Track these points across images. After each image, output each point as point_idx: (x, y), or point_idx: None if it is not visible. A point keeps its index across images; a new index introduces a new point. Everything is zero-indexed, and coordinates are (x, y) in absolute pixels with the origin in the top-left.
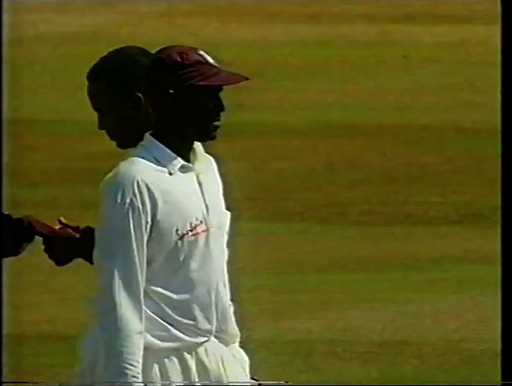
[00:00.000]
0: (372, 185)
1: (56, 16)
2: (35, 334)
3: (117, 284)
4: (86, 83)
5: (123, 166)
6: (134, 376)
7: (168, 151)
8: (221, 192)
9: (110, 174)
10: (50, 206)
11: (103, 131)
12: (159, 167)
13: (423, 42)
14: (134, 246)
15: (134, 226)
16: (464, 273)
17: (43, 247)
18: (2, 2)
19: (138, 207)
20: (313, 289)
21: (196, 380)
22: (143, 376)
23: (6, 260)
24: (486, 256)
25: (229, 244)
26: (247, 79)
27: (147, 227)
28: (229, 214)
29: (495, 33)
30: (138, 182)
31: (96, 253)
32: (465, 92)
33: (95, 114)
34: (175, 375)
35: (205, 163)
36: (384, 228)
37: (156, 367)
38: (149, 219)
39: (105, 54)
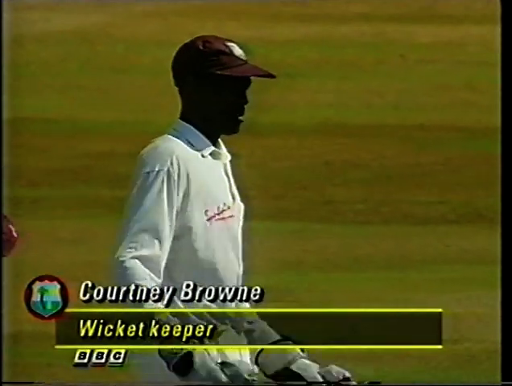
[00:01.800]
0: (369, 184)
1: (53, 15)
2: (35, 334)
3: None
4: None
5: (160, 141)
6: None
7: (201, 135)
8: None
9: (147, 148)
10: (49, 206)
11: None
12: (191, 149)
13: (420, 41)
14: (167, 211)
15: (168, 193)
16: (461, 272)
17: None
18: (2, 2)
19: (174, 179)
20: (311, 288)
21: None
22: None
23: (6, 260)
24: (484, 256)
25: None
26: (272, 75)
27: (178, 201)
28: (243, 206)
29: (493, 33)
30: (176, 156)
31: (125, 219)
32: (463, 92)
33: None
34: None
35: (227, 157)
36: (381, 227)
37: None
38: (181, 194)
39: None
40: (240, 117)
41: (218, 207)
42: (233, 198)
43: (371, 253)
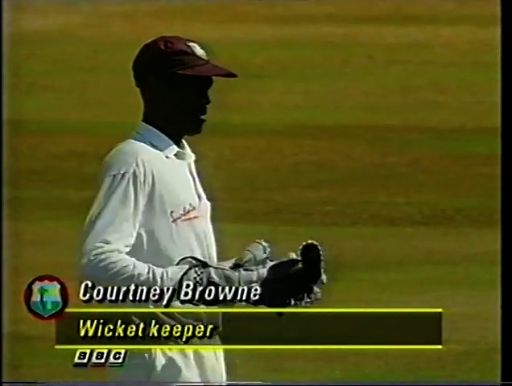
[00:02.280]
0: (336, 185)
1: (21, 16)
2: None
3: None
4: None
5: (123, 145)
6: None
7: (164, 137)
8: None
9: (112, 152)
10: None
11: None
12: (156, 151)
13: (387, 42)
14: (132, 212)
15: (134, 194)
16: (428, 273)
17: None
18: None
19: (140, 180)
20: None
21: (193, 365)
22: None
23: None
24: (450, 257)
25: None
26: (233, 75)
27: (143, 202)
28: (209, 204)
29: (461, 33)
30: (141, 158)
31: (88, 219)
32: (429, 93)
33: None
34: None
35: (191, 156)
36: (349, 229)
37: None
38: (146, 195)
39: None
40: (202, 117)
41: (184, 208)
42: (199, 198)
43: (339, 254)
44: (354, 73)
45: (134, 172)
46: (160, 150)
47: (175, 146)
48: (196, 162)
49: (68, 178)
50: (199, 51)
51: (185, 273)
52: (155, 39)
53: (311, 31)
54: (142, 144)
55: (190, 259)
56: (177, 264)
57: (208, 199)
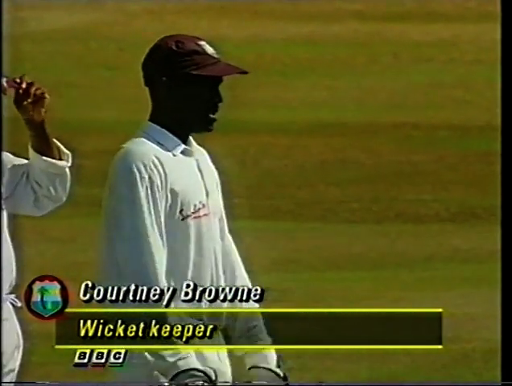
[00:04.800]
0: (363, 183)
1: (46, 14)
2: (35, 334)
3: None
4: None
5: (133, 145)
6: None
7: (170, 135)
8: (218, 184)
9: (120, 155)
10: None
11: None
12: (163, 150)
13: (414, 40)
14: (151, 223)
15: (153, 202)
16: (454, 271)
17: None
18: (2, 2)
19: (157, 184)
20: (305, 286)
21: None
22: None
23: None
24: (478, 254)
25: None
26: (244, 72)
27: (163, 203)
28: (221, 201)
29: (487, 31)
30: (153, 159)
31: (104, 230)
32: (456, 90)
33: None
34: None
35: (201, 154)
36: (375, 226)
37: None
38: (162, 198)
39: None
40: (213, 116)
41: (195, 206)
42: (207, 194)
43: (365, 252)
44: (380, 71)
45: (151, 178)
46: (167, 149)
47: (181, 144)
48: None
49: (92, 177)
50: (209, 49)
51: None
52: (164, 38)
53: (337, 29)
54: (148, 142)
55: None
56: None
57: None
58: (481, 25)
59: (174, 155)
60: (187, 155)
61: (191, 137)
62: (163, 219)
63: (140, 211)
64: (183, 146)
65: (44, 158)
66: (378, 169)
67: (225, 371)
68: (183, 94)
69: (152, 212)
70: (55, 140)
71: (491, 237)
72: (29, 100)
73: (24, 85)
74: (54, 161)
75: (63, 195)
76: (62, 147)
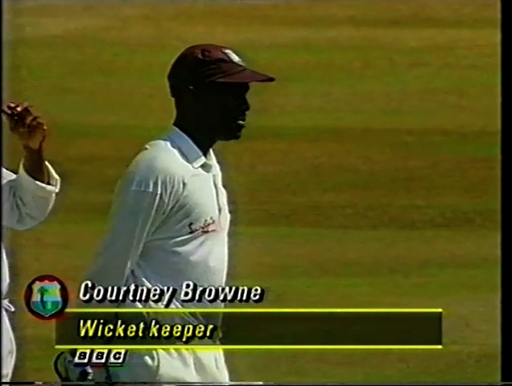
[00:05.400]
0: (357, 188)
1: (42, 20)
2: (34, 335)
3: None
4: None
5: (158, 152)
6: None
7: (194, 146)
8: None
9: (146, 157)
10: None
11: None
12: (183, 160)
13: (409, 46)
14: (145, 233)
15: (153, 216)
16: (450, 276)
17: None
18: (2, 4)
19: (165, 201)
20: (299, 292)
21: (194, 374)
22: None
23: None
24: (473, 260)
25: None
26: (272, 79)
27: (162, 218)
28: (229, 216)
29: (483, 36)
30: (168, 176)
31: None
32: (452, 96)
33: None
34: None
35: (217, 170)
36: (370, 232)
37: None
38: (167, 212)
39: None
40: (241, 122)
41: (205, 221)
42: (219, 210)
43: (359, 258)
44: (375, 76)
45: (161, 196)
46: (187, 160)
47: (202, 157)
48: (218, 168)
49: (88, 182)
50: (235, 57)
51: None
52: (190, 48)
53: (332, 34)
54: (171, 150)
55: None
56: None
57: (230, 211)
58: (477, 31)
59: (194, 168)
60: (206, 169)
61: (211, 151)
62: (152, 230)
63: (134, 224)
64: (203, 160)
65: (34, 181)
66: (373, 174)
67: (222, 380)
68: (211, 102)
69: (146, 228)
70: (47, 163)
71: (486, 242)
72: (25, 129)
73: (20, 108)
74: (43, 185)
75: (43, 216)
76: (53, 172)
